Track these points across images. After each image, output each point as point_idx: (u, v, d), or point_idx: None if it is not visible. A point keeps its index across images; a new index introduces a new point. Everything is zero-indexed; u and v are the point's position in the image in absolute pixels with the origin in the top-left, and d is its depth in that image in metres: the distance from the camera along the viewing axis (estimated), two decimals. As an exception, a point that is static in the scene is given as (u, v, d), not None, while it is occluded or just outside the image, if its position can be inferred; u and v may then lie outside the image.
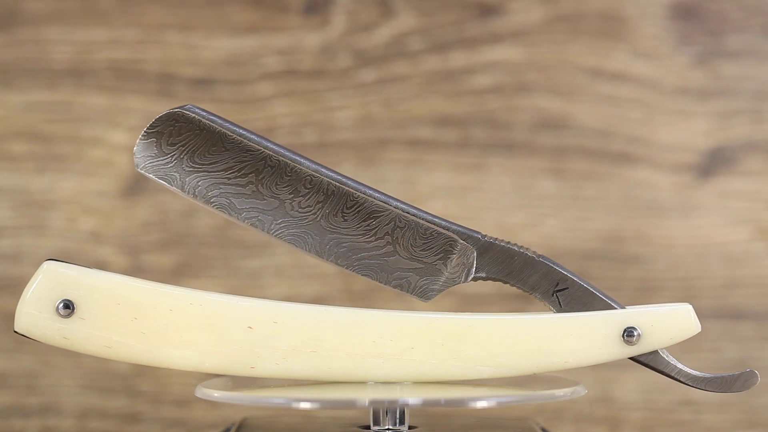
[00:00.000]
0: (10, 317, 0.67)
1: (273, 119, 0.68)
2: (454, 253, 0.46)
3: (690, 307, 0.48)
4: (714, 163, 0.67)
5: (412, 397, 0.41)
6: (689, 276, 0.67)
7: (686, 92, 0.67)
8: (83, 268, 0.44)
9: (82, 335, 0.43)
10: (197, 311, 0.44)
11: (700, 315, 0.67)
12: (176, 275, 0.67)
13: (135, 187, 0.68)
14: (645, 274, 0.67)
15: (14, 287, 0.67)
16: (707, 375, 0.48)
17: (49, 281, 0.43)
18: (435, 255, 0.45)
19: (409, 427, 0.45)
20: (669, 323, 0.48)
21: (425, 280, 0.45)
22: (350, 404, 0.42)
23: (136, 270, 0.67)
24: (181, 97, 0.68)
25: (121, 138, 0.68)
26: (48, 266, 0.43)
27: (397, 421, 0.45)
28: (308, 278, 0.67)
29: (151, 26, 0.68)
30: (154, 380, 0.67)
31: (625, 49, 0.68)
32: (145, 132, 0.44)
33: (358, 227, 0.44)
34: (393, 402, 0.42)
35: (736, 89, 0.67)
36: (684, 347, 0.67)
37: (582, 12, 0.68)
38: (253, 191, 0.44)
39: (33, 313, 0.43)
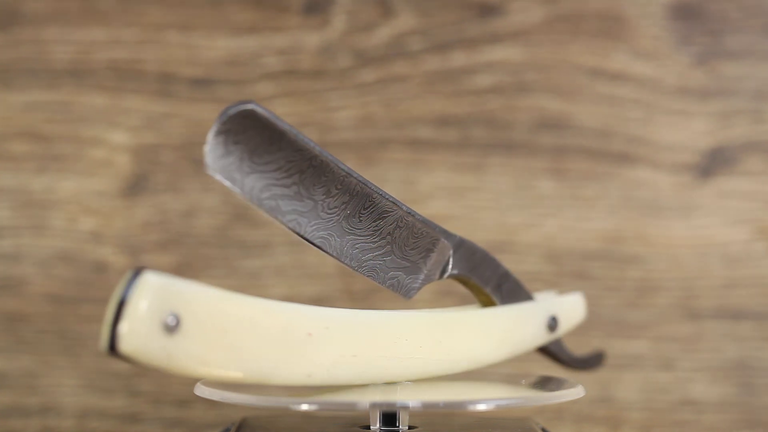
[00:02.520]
0: (10, 317, 0.68)
1: (273, 119, 0.68)
2: (434, 252, 0.46)
3: (582, 294, 0.53)
4: (714, 163, 0.67)
5: (411, 400, 0.41)
6: (689, 276, 0.67)
7: (686, 92, 0.67)
8: (184, 280, 0.39)
9: (184, 353, 0.38)
10: (300, 325, 0.42)
11: (700, 315, 0.67)
12: (176, 275, 0.67)
13: (135, 187, 0.68)
14: (645, 274, 0.67)
15: (14, 287, 0.67)
16: (581, 356, 0.53)
17: (153, 295, 0.38)
18: (419, 254, 0.46)
19: (409, 427, 0.46)
20: (572, 311, 0.52)
21: (410, 278, 0.45)
22: (351, 407, 0.42)
23: (136, 270, 0.67)
24: (181, 97, 0.68)
25: (121, 138, 0.68)
26: (148, 278, 0.38)
27: (397, 421, 0.45)
28: (308, 278, 0.67)
29: (151, 26, 0.68)
30: (154, 380, 0.67)
31: (625, 49, 0.68)
32: (216, 130, 0.41)
33: (368, 228, 0.44)
34: (392, 405, 0.42)
35: (736, 89, 0.67)
36: (684, 347, 0.68)
37: (582, 12, 0.68)
38: (295, 192, 0.42)
39: (139, 332, 0.37)
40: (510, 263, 0.67)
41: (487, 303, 0.49)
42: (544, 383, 0.49)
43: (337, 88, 0.68)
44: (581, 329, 0.67)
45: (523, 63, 0.68)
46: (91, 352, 0.67)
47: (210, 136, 0.40)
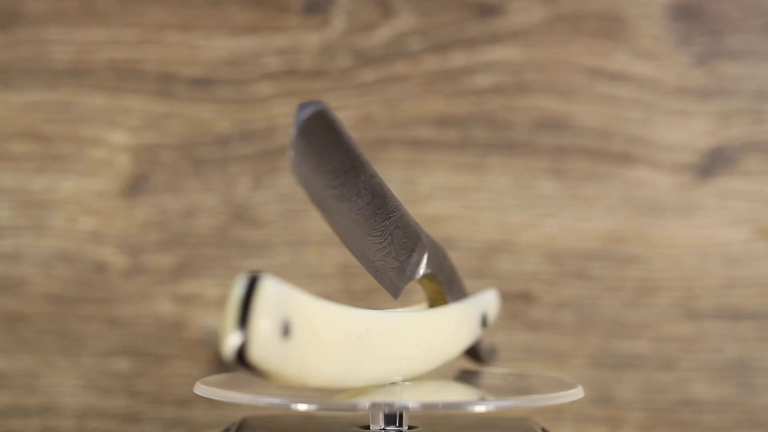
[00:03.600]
0: (10, 317, 0.68)
1: (273, 119, 0.68)
2: (416, 251, 0.46)
3: (497, 290, 0.54)
4: (714, 163, 0.67)
5: (411, 401, 0.41)
6: (689, 276, 0.67)
7: (686, 92, 0.67)
8: (287, 284, 0.38)
9: (295, 360, 0.37)
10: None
11: (700, 315, 0.67)
12: (176, 275, 0.67)
13: (135, 187, 0.68)
14: (645, 274, 0.67)
15: (14, 287, 0.67)
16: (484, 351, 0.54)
17: (275, 301, 0.36)
18: (406, 254, 0.46)
19: (409, 427, 0.46)
20: (495, 307, 0.53)
21: (398, 278, 0.45)
22: (351, 407, 0.42)
23: (136, 270, 0.67)
24: (181, 97, 0.68)
25: (121, 138, 0.68)
26: (269, 284, 0.36)
27: (397, 421, 0.45)
28: (308, 278, 0.67)
29: (151, 26, 0.68)
30: (154, 380, 0.67)
31: (625, 49, 0.68)
32: (298, 133, 0.39)
33: (378, 229, 0.44)
34: (392, 405, 0.42)
35: (736, 89, 0.67)
36: (684, 347, 0.68)
37: (582, 12, 0.68)
38: (340, 194, 0.42)
39: (263, 340, 0.36)
40: (510, 263, 0.68)
41: (439, 302, 0.49)
42: (544, 383, 0.49)
43: (337, 88, 0.68)
44: (581, 329, 0.67)
45: (523, 63, 0.68)
46: (91, 352, 0.67)
47: (294, 137, 0.38)
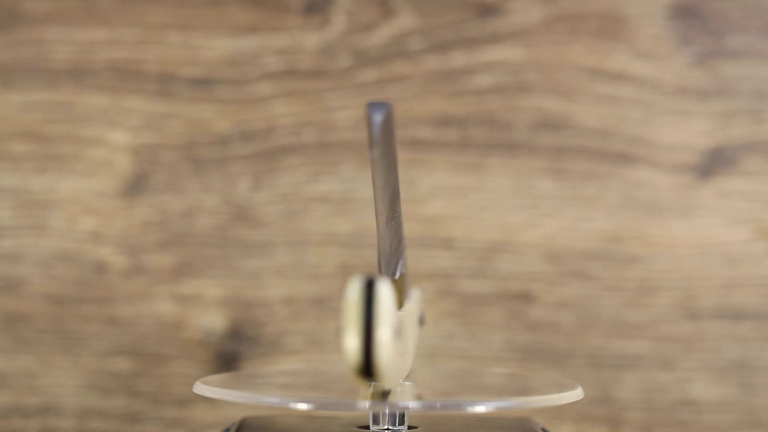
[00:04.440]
0: (10, 317, 0.68)
1: (273, 119, 0.68)
2: (400, 251, 0.46)
3: (419, 290, 0.54)
4: (714, 163, 0.67)
5: (411, 401, 0.41)
6: (689, 276, 0.67)
7: (686, 92, 0.67)
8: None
9: (400, 361, 0.38)
10: None
11: (700, 315, 0.67)
12: (176, 275, 0.67)
13: (135, 187, 0.68)
14: (645, 274, 0.67)
15: (14, 287, 0.67)
16: None
17: (391, 305, 0.36)
18: (398, 253, 0.46)
19: (409, 427, 0.46)
20: (422, 306, 0.53)
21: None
22: (350, 406, 0.42)
23: (136, 270, 0.67)
24: (181, 97, 0.68)
25: (121, 138, 0.68)
26: (387, 287, 0.36)
27: (397, 421, 0.45)
28: (308, 278, 0.67)
29: (151, 26, 0.68)
30: (154, 380, 0.67)
31: (625, 49, 0.68)
32: (379, 133, 0.38)
33: (390, 226, 0.44)
34: (392, 405, 0.42)
35: (736, 89, 0.67)
36: (684, 347, 0.68)
37: (582, 12, 0.68)
38: (396, 191, 0.42)
39: (388, 344, 0.35)
40: (510, 263, 0.68)
41: (399, 302, 0.49)
42: (544, 384, 0.49)
43: (337, 88, 0.68)
44: (581, 329, 0.67)
45: (523, 63, 0.68)
46: (91, 352, 0.67)
47: (376, 137, 0.38)
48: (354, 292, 0.35)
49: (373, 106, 0.38)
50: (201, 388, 0.44)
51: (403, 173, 0.68)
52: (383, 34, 0.68)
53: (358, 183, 0.67)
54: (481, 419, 0.52)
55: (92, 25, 0.68)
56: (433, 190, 0.68)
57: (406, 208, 0.45)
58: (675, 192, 0.67)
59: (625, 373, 0.67)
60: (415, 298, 0.51)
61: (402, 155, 0.68)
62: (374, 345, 0.35)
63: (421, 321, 0.52)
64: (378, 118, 0.38)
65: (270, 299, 0.67)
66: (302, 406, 0.41)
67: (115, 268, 0.67)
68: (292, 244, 0.67)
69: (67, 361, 0.67)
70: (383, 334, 0.35)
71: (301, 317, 0.67)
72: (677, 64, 0.68)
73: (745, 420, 0.67)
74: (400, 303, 0.49)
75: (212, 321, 0.67)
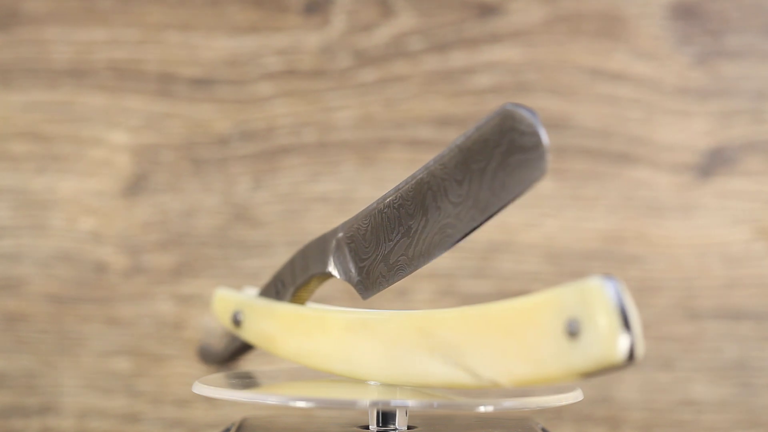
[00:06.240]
0: (10, 317, 0.68)
1: (273, 119, 0.68)
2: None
3: None
4: (714, 163, 0.67)
5: (410, 400, 0.41)
6: (689, 276, 0.67)
7: (686, 92, 0.67)
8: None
9: None
10: None
11: (700, 315, 0.67)
12: (176, 275, 0.67)
13: (135, 187, 0.68)
14: (645, 274, 0.67)
15: (14, 287, 0.67)
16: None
17: None
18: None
19: (409, 427, 0.46)
20: None
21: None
22: (350, 405, 0.42)
23: (136, 270, 0.67)
24: (181, 97, 0.68)
25: (121, 138, 0.68)
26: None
27: (397, 420, 0.45)
28: (308, 278, 0.67)
29: (151, 26, 0.68)
30: (154, 380, 0.67)
31: (625, 49, 0.68)
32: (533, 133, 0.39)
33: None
34: (392, 405, 0.42)
35: (736, 89, 0.67)
36: (684, 347, 0.67)
37: (582, 12, 0.68)
38: None
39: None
40: (510, 263, 0.68)
41: (304, 300, 0.49)
42: (543, 386, 0.49)
43: (337, 88, 0.68)
44: (581, 329, 0.67)
45: (523, 63, 0.68)
46: (91, 352, 0.67)
47: (546, 143, 0.38)
48: (605, 292, 0.39)
49: (531, 111, 0.38)
50: (201, 388, 0.44)
51: (403, 173, 0.69)
52: (383, 34, 0.68)
53: (358, 183, 0.67)
54: (481, 419, 0.52)
55: (92, 25, 0.68)
56: (433, 190, 0.67)
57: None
58: (675, 192, 0.67)
59: (625, 373, 0.67)
60: None
61: (402, 155, 0.68)
62: (634, 341, 0.39)
63: None
64: (538, 120, 0.38)
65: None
66: (302, 404, 0.41)
67: (115, 268, 0.67)
68: (292, 244, 0.67)
69: (67, 361, 0.67)
70: (638, 329, 0.38)
71: (301, 317, 0.67)
72: (677, 64, 0.68)
73: (745, 420, 0.67)
74: (303, 299, 0.49)
75: (212, 321, 0.67)
